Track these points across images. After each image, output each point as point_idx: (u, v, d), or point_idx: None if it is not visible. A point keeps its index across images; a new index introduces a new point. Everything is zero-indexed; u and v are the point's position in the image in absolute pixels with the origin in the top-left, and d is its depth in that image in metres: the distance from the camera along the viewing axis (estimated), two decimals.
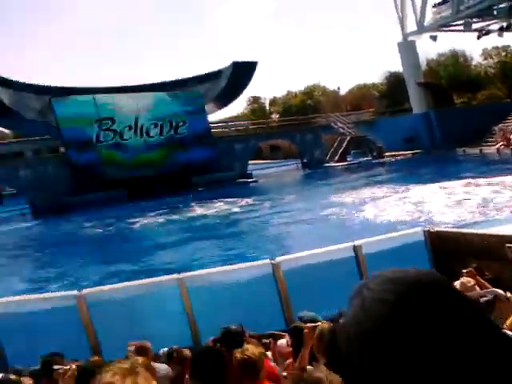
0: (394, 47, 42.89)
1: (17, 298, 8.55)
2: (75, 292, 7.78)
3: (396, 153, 40.22)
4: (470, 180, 22.19)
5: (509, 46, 53.13)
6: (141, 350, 5.43)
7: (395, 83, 52.95)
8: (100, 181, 32.66)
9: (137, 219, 24.19)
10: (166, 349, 6.00)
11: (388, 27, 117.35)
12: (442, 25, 40.48)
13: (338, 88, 66.04)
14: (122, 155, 35.07)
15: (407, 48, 42.11)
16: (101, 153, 34.30)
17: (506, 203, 16.22)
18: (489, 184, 20.31)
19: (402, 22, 42.30)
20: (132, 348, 5.72)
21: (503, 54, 55.88)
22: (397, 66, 48.15)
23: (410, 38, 42.35)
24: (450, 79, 53.08)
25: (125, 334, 6.90)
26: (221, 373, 2.86)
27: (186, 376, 4.28)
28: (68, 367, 2.87)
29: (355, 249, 8.61)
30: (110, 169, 34.18)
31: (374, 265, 8.40)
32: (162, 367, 5.02)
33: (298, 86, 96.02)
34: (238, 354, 3.26)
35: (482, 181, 21.30)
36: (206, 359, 2.93)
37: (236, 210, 23.93)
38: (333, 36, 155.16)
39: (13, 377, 4.05)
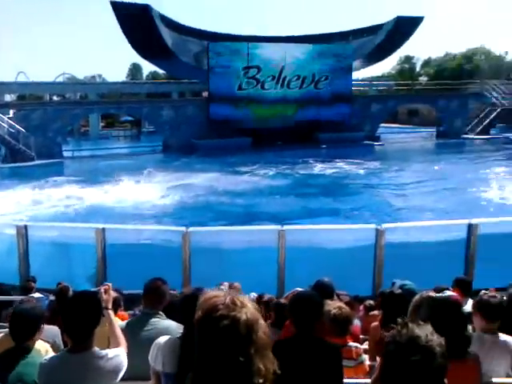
0: None
1: (129, 226, 9.46)
2: (182, 228, 8.23)
3: None
4: None
5: None
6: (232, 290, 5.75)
7: None
8: (230, 127, 33.63)
9: (251, 167, 24.78)
10: (254, 293, 6.29)
11: None
12: None
13: (506, 53, 59.39)
14: (259, 106, 35.79)
15: None
16: (239, 103, 35.15)
17: None
18: None
19: None
20: (224, 287, 6.09)
21: None
22: None
23: None
24: None
25: (216, 274, 7.31)
26: (316, 317, 2.86)
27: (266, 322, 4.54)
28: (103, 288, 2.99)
29: (470, 227, 7.93)
30: (244, 119, 34.94)
31: (487, 246, 7.75)
32: None
33: (460, 47, 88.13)
34: (331, 308, 3.39)
35: None
36: (305, 303, 2.92)
37: (351, 171, 23.59)
38: None
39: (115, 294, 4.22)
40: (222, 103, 34.46)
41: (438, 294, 4.05)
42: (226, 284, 6.22)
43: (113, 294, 3.13)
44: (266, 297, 5.85)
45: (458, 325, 2.62)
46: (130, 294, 6.13)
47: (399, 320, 1.58)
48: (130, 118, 50.01)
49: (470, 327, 3.54)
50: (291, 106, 36.34)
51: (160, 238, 8.67)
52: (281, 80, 36.03)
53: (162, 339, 2.61)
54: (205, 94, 37.68)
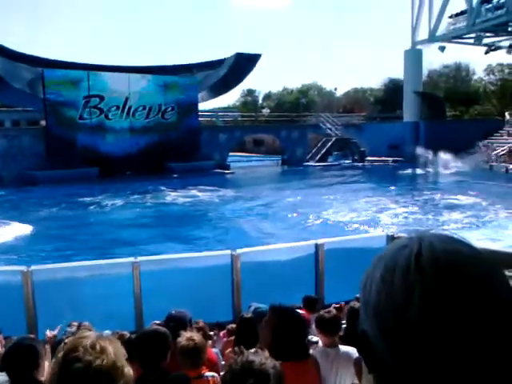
0: (399, 54, 43.79)
1: None
2: (23, 267, 7.50)
3: (377, 158, 40.56)
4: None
5: None
6: None
7: (393, 90, 53.44)
8: (74, 156, 31.96)
9: (97, 198, 23.87)
10: (108, 331, 5.88)
11: (396, 34, 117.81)
12: (455, 36, 41.08)
13: (335, 89, 66.00)
14: (104, 136, 34.42)
15: (413, 56, 42.66)
16: (81, 133, 33.38)
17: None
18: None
19: (414, 29, 42.87)
20: (73, 328, 5.59)
21: (506, 71, 56.31)
22: (397, 73, 48.96)
23: (419, 47, 42.91)
24: (447, 91, 53.64)
25: (67, 315, 6.72)
26: (162, 354, 2.89)
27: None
28: None
29: (317, 247, 8.47)
30: (89, 149, 33.41)
31: (333, 264, 8.33)
32: None
33: (296, 83, 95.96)
34: (181, 340, 3.29)
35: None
36: (150, 340, 2.94)
37: (204, 199, 23.97)
38: (338, 37, 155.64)
39: None
40: (63, 132, 32.52)
41: None
42: (76, 324, 5.78)
43: None
44: (118, 334, 5.53)
45: (297, 330, 2.79)
46: None
47: (236, 348, 1.68)
48: None
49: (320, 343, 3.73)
50: (138, 136, 35.71)
51: None
52: (126, 110, 35.32)
53: None
54: (42, 122, 35.28)
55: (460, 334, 0.55)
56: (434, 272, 0.59)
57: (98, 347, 1.28)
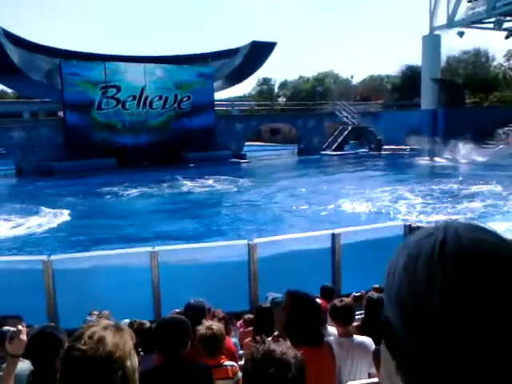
0: (416, 40, 43.18)
1: None
2: (44, 257, 7.63)
3: (395, 147, 40.10)
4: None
5: None
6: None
7: (410, 77, 52.60)
8: (91, 147, 32.23)
9: (115, 188, 24.06)
10: (127, 320, 5.96)
11: (413, 20, 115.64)
12: (474, 21, 40.07)
13: (352, 77, 65.09)
14: (121, 126, 34.83)
15: (431, 42, 41.72)
16: (99, 123, 33.71)
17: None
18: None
19: (431, 14, 41.87)
20: (94, 317, 5.69)
21: None
22: (415, 60, 48.18)
23: (437, 32, 41.99)
24: (466, 78, 52.71)
25: (86, 304, 6.83)
26: (183, 342, 2.88)
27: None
28: (15, 329, 2.56)
29: (333, 237, 8.44)
30: (105, 133, 33.72)
31: (350, 254, 8.31)
32: None
33: (312, 71, 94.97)
34: (201, 328, 3.33)
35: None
36: (170, 328, 2.95)
37: (220, 189, 24.00)
38: (354, 24, 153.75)
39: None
40: (81, 123, 32.86)
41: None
42: (96, 312, 5.88)
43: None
44: (137, 323, 5.60)
45: (313, 315, 2.80)
46: None
47: (257, 338, 1.67)
48: None
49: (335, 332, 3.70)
50: (154, 125, 35.91)
51: (19, 269, 7.84)
52: (142, 100, 35.43)
53: None
54: (60, 113, 35.63)
55: (481, 323, 0.55)
56: (458, 260, 0.58)
57: (95, 337, 1.28)
